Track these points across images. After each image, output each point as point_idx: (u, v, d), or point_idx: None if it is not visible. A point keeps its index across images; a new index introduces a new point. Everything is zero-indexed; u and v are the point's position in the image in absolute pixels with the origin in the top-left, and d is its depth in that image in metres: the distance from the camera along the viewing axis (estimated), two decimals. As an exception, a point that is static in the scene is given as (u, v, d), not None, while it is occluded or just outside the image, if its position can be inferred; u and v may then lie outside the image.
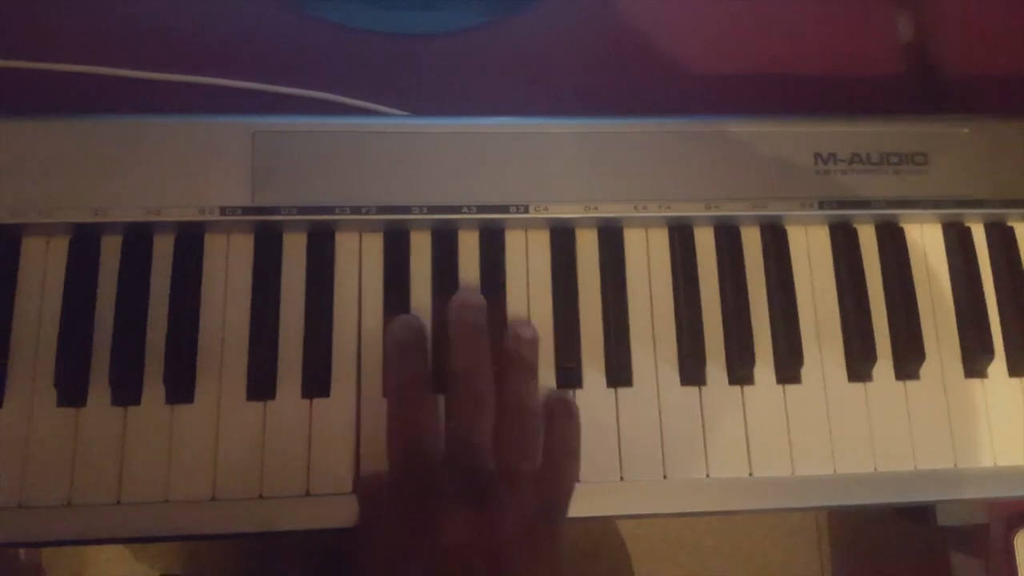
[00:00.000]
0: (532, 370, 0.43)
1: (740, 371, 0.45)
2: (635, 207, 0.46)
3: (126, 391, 0.42)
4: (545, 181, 0.45)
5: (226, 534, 0.41)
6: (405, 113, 0.49)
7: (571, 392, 0.44)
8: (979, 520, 0.49)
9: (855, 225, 0.48)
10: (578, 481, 0.43)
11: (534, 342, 0.44)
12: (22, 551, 0.80)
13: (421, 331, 0.43)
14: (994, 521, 0.50)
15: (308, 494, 0.41)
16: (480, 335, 0.43)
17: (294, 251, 0.45)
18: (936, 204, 0.47)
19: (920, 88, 0.56)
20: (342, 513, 0.41)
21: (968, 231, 0.48)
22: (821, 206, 0.46)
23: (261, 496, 0.41)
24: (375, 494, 0.41)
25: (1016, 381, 0.47)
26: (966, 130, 0.48)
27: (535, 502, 0.41)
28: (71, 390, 0.41)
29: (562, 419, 0.43)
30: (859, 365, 0.45)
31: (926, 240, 0.48)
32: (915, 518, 0.49)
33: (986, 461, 0.45)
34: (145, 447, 0.41)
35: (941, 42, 0.56)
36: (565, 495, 0.42)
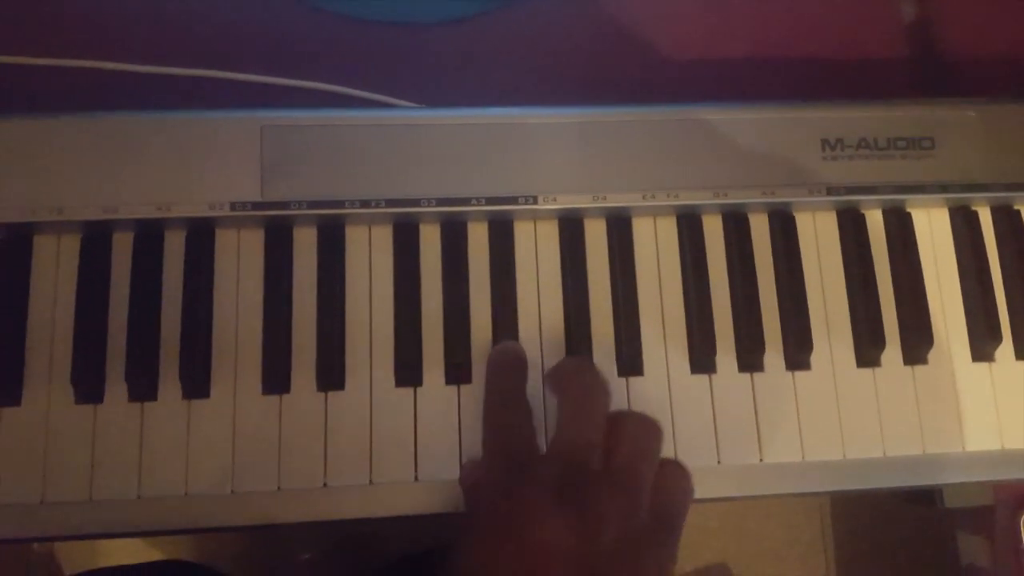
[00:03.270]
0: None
1: (750, 358, 0.45)
2: (643, 196, 0.46)
3: (143, 387, 0.42)
4: (553, 172, 0.45)
5: (245, 526, 0.41)
6: (413, 105, 0.49)
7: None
8: (985, 502, 0.49)
9: (863, 210, 0.48)
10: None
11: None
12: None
13: (524, 357, 0.43)
14: (1000, 503, 0.51)
15: (326, 485, 0.42)
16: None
17: (305, 245, 0.45)
18: (943, 188, 0.47)
19: (924, 71, 0.56)
20: (359, 504, 0.42)
21: (975, 215, 0.48)
22: (829, 192, 0.47)
23: (279, 488, 0.42)
24: (475, 485, 0.40)
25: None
26: (973, 114, 0.48)
27: (646, 515, 0.36)
28: (88, 388, 0.42)
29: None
30: (868, 351, 0.46)
31: (933, 225, 0.49)
32: (922, 500, 0.49)
33: (994, 444, 0.45)
34: (163, 442, 0.42)
35: (945, 24, 0.56)
36: (680, 514, 0.38)
